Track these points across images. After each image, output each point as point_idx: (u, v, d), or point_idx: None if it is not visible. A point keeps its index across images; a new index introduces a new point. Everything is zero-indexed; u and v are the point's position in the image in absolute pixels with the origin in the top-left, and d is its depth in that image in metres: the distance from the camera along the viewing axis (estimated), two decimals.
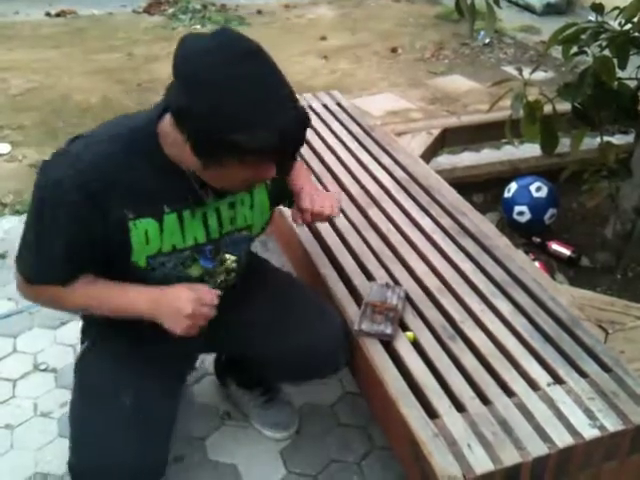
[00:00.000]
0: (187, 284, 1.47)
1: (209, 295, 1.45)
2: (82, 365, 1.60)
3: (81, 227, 1.36)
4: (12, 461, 1.84)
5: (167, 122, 1.33)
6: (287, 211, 1.77)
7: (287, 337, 1.61)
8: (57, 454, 1.83)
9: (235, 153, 1.24)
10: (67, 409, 1.57)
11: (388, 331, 1.59)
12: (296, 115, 1.26)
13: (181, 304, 1.41)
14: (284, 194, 1.69)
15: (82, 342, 1.66)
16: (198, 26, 6.09)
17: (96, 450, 1.41)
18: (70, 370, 1.65)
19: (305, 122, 1.29)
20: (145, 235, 1.40)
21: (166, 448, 1.53)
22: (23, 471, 1.81)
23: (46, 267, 1.43)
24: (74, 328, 1.72)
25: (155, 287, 1.45)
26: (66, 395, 1.91)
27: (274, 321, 1.62)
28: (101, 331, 1.62)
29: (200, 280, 1.53)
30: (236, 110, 1.20)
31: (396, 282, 1.78)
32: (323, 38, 5.83)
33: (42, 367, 2.18)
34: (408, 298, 1.71)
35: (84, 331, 1.68)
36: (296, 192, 1.67)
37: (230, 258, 1.58)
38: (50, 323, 2.37)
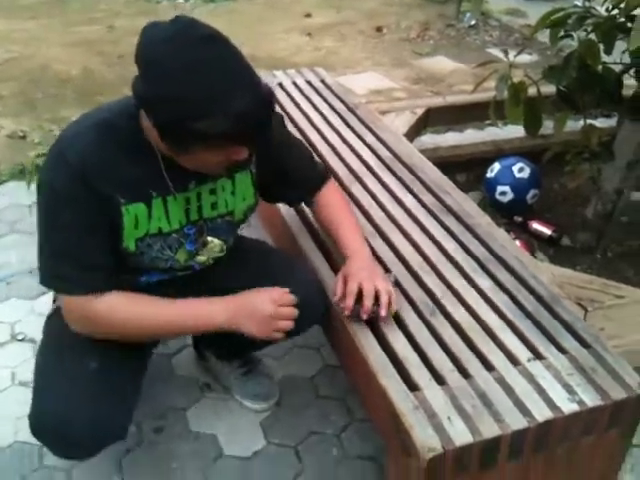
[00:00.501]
0: (258, 288, 1.50)
1: (285, 295, 1.48)
2: (51, 322, 1.61)
3: (94, 215, 1.37)
4: None
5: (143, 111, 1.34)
6: None
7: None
8: None
9: (198, 140, 1.26)
10: None
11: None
12: (255, 97, 1.26)
13: (259, 306, 1.45)
14: (278, 180, 1.67)
15: (54, 301, 1.65)
16: (181, 0, 6.02)
17: (55, 404, 1.41)
18: None
19: (267, 103, 1.29)
20: (135, 219, 1.42)
21: (128, 412, 1.52)
22: (2, 440, 1.81)
23: (85, 268, 1.40)
24: (52, 298, 1.70)
25: (223, 297, 1.48)
26: None
27: (253, 282, 1.58)
28: None
29: (186, 264, 1.56)
30: (193, 97, 1.21)
31: (377, 258, 1.77)
32: (308, 15, 5.79)
33: (20, 337, 2.17)
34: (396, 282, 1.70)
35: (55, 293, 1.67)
36: (347, 256, 1.64)
37: (213, 241, 1.60)
38: (27, 294, 2.36)
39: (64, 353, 1.50)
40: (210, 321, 1.47)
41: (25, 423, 1.81)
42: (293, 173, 1.69)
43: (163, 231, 1.48)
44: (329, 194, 1.75)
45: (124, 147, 1.38)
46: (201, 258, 1.60)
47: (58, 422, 1.39)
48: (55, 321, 1.58)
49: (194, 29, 1.24)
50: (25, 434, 1.79)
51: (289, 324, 1.49)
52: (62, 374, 1.46)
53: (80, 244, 1.38)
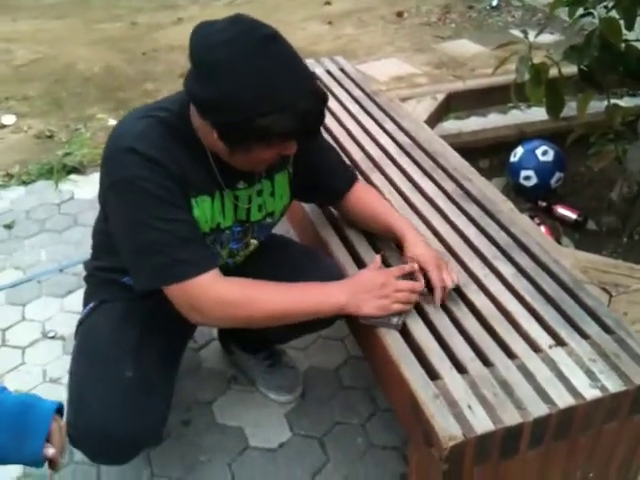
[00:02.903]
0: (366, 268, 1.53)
1: (396, 268, 1.51)
2: (84, 328, 1.62)
3: (181, 198, 1.38)
4: None
5: (193, 110, 1.36)
6: None
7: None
8: (65, 419, 1.85)
9: (262, 138, 1.29)
10: None
11: (394, 320, 1.52)
12: (316, 93, 1.31)
13: (375, 279, 1.47)
14: (310, 181, 1.68)
15: (84, 305, 1.68)
16: None
17: (95, 416, 1.42)
18: None
19: (325, 99, 1.33)
20: (204, 212, 1.44)
21: (164, 416, 1.55)
22: None
23: (201, 246, 1.41)
24: (81, 296, 1.73)
25: (332, 282, 1.49)
26: None
27: (279, 273, 1.58)
28: (104, 295, 1.63)
29: (225, 261, 1.58)
30: (260, 98, 1.24)
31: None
32: (327, 3, 5.76)
33: (50, 335, 2.21)
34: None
35: (87, 294, 1.70)
36: (400, 237, 1.65)
37: (254, 243, 1.65)
38: (58, 291, 2.40)
39: (99, 362, 1.50)
40: (333, 300, 1.44)
41: None
42: (325, 175, 1.71)
43: (221, 226, 1.50)
44: (359, 190, 1.76)
45: (181, 144, 1.39)
46: (238, 258, 1.64)
47: (99, 432, 1.41)
48: (87, 327, 1.61)
49: (255, 29, 1.27)
50: None
51: (406, 294, 1.47)
52: (98, 384, 1.46)
53: (184, 225, 1.37)
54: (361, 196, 1.74)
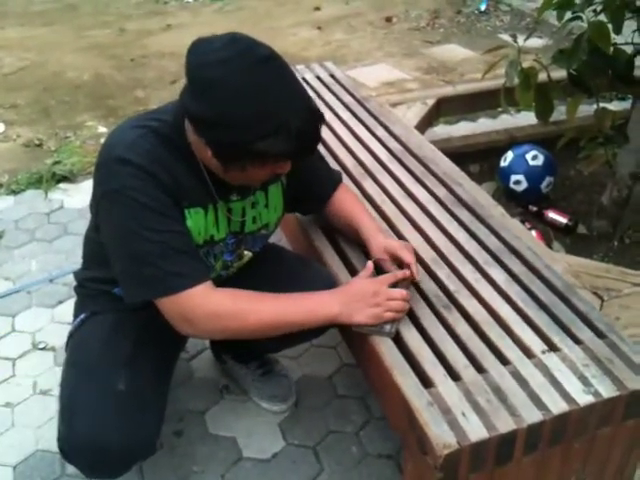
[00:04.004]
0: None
1: (388, 276, 1.50)
2: (75, 340, 1.61)
3: (173, 208, 1.36)
4: (13, 439, 1.86)
5: (188, 124, 1.35)
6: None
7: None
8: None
9: (256, 159, 1.29)
10: None
11: (387, 328, 1.51)
12: (312, 114, 1.30)
13: (366, 287, 1.46)
14: (299, 191, 1.68)
15: (75, 317, 1.66)
16: (190, 0, 6.02)
17: (88, 430, 1.40)
18: None
19: (321, 119, 1.32)
20: (197, 224, 1.43)
21: (157, 428, 1.53)
22: (24, 449, 1.83)
23: (193, 257, 1.39)
24: (71, 306, 1.72)
25: (324, 291, 1.48)
26: None
27: (271, 282, 1.58)
28: (95, 307, 1.62)
29: (217, 273, 1.57)
30: (255, 120, 1.23)
31: None
32: (317, 9, 5.77)
33: (41, 346, 2.19)
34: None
35: (78, 306, 1.68)
36: (359, 227, 1.67)
37: (247, 254, 1.64)
38: (48, 302, 2.38)
39: (91, 375, 1.49)
40: (326, 310, 1.44)
41: (46, 432, 1.86)
42: (314, 185, 1.71)
43: (214, 239, 1.49)
44: (341, 193, 1.76)
45: (174, 155, 1.38)
46: (232, 270, 1.63)
47: (92, 446, 1.39)
48: (79, 339, 1.59)
49: (252, 49, 1.26)
50: (46, 443, 1.83)
51: (399, 303, 1.47)
52: (91, 397, 1.45)
53: (176, 236, 1.36)
54: (342, 199, 1.75)
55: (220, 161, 1.32)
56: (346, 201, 1.74)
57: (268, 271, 1.67)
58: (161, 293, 1.35)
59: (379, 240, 1.62)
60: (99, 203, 1.38)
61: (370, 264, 1.54)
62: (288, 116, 1.24)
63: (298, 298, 1.45)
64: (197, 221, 1.43)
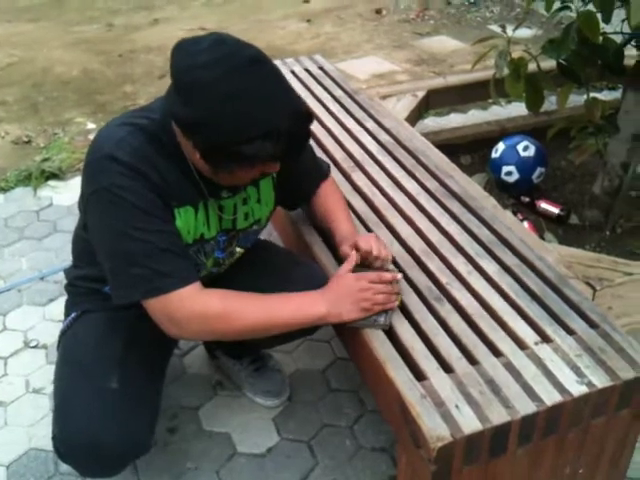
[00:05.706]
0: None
1: (378, 275, 1.48)
2: (67, 339, 1.60)
3: (161, 207, 1.35)
4: (6, 438, 1.85)
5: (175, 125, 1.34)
6: None
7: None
8: (50, 430, 1.82)
9: (244, 161, 1.27)
10: None
11: (381, 320, 1.52)
12: (300, 116, 1.28)
13: (351, 283, 1.45)
14: (288, 184, 1.67)
15: (66, 315, 1.65)
16: None
17: (83, 429, 1.40)
18: None
19: (310, 119, 1.30)
20: (187, 223, 1.42)
21: (152, 426, 1.53)
22: (17, 447, 1.82)
23: (181, 256, 1.37)
24: (62, 304, 1.71)
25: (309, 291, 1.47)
26: None
27: (261, 279, 1.59)
28: (87, 305, 1.61)
29: (209, 270, 1.56)
30: (242, 123, 1.22)
31: None
32: (306, 1, 5.75)
33: (32, 344, 2.18)
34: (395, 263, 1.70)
35: (68, 304, 1.67)
36: (334, 234, 1.67)
37: (239, 251, 1.63)
38: (39, 300, 2.37)
39: (84, 374, 1.48)
40: (314, 311, 1.43)
41: (39, 430, 1.86)
42: (303, 178, 1.70)
43: (205, 237, 1.48)
44: (324, 190, 1.75)
45: (163, 153, 1.36)
46: (223, 267, 1.62)
47: (87, 445, 1.39)
48: (71, 338, 1.59)
49: (238, 51, 1.23)
50: (39, 441, 1.82)
51: (386, 296, 1.46)
52: (84, 396, 1.44)
53: (165, 236, 1.34)
54: (319, 198, 1.74)
55: (208, 164, 1.31)
56: (327, 201, 1.73)
57: (258, 268, 1.66)
58: (147, 294, 1.33)
59: (345, 250, 1.59)
60: (88, 201, 1.36)
61: (353, 254, 1.53)
62: (276, 120, 1.23)
63: (286, 299, 1.44)
64: (187, 220, 1.42)
